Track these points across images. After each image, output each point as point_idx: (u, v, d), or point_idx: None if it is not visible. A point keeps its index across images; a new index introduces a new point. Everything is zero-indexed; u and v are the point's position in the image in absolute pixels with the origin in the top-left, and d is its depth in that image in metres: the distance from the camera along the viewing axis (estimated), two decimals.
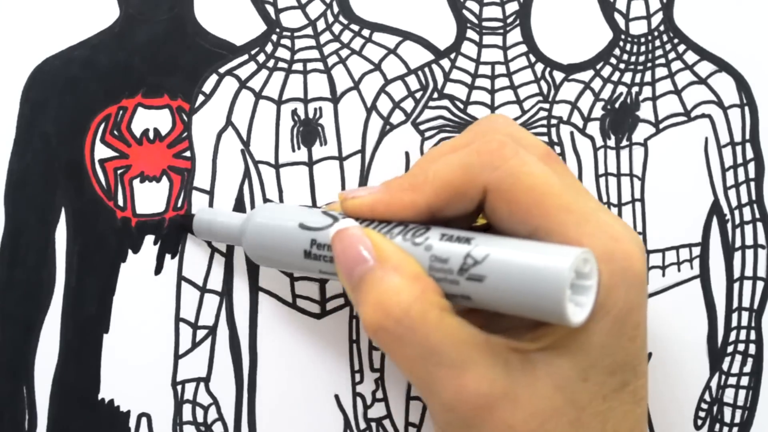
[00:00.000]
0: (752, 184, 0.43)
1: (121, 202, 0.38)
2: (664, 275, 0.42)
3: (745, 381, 0.43)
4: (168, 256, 0.38)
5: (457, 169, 0.31)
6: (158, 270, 0.38)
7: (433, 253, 0.30)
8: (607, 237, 0.29)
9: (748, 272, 0.43)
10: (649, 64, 0.42)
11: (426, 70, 0.40)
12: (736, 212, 0.43)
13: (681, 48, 0.42)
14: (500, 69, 0.41)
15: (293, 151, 0.39)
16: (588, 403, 0.29)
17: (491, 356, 0.29)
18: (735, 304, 0.43)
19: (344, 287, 0.32)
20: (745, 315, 0.43)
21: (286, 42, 0.39)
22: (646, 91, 0.42)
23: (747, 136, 0.43)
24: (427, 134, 0.40)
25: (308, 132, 0.39)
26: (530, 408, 0.29)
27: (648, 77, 0.42)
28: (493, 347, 0.29)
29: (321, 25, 0.40)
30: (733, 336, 0.42)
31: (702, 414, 0.42)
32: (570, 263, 0.27)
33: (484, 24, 0.41)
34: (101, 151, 0.38)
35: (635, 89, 0.42)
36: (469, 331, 0.29)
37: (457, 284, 0.29)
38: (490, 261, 0.28)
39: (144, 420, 0.38)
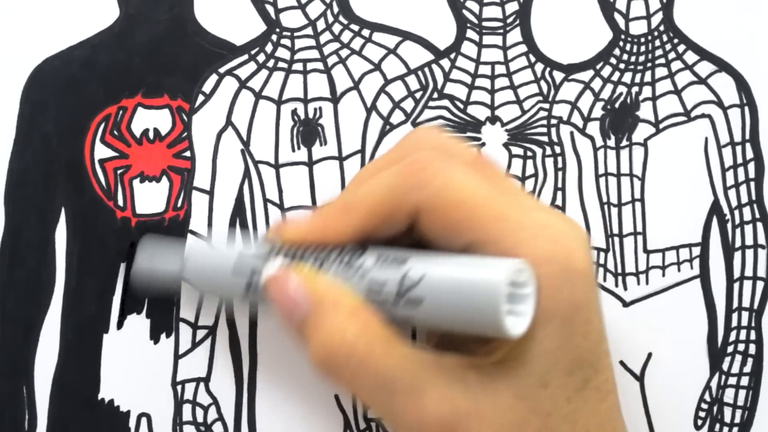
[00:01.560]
0: (752, 184, 0.43)
1: (121, 202, 0.38)
2: (664, 275, 0.42)
3: (745, 381, 0.42)
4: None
5: (384, 192, 0.31)
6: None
7: (369, 277, 0.30)
8: (544, 240, 0.29)
9: (748, 272, 0.43)
10: (649, 64, 0.42)
11: (426, 70, 0.40)
12: (736, 212, 0.43)
13: (681, 48, 0.42)
14: (500, 69, 0.41)
15: (293, 151, 0.39)
16: (553, 408, 0.29)
17: (447, 376, 0.29)
18: (735, 304, 0.43)
19: (288, 331, 0.32)
20: (745, 315, 0.43)
21: (286, 42, 0.39)
22: (646, 91, 0.42)
23: (747, 136, 0.43)
24: None
25: (308, 132, 0.39)
26: (495, 422, 0.29)
27: (648, 77, 0.42)
28: (448, 367, 0.29)
29: (321, 25, 0.40)
30: (733, 336, 0.42)
31: (702, 414, 0.42)
32: (503, 277, 0.27)
33: (484, 24, 0.41)
34: (101, 151, 0.38)
35: (635, 89, 0.42)
36: (419, 355, 0.29)
37: (396, 308, 0.29)
38: (425, 283, 0.28)
39: (144, 420, 0.38)
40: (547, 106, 0.41)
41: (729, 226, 0.42)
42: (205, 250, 0.34)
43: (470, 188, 0.30)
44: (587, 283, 0.29)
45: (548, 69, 0.41)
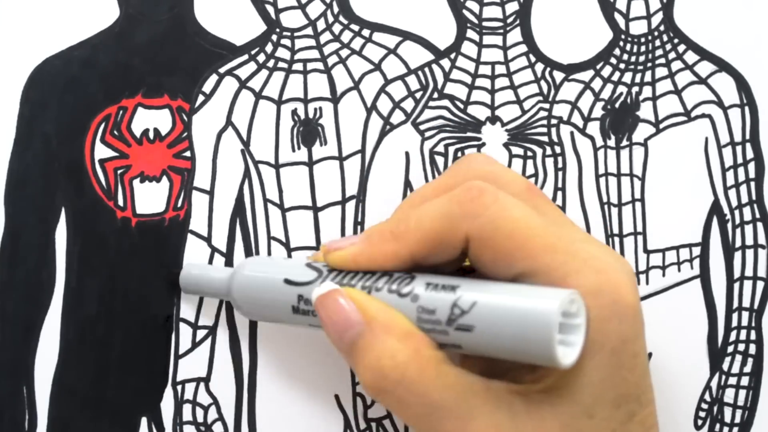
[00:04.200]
0: (752, 184, 0.43)
1: (121, 202, 0.38)
2: (664, 275, 0.42)
3: (745, 381, 0.43)
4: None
5: (438, 218, 0.31)
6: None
7: (419, 305, 0.30)
8: (594, 271, 0.29)
9: (749, 272, 0.43)
10: (649, 64, 0.42)
11: (426, 70, 0.40)
12: (736, 212, 0.43)
13: (681, 48, 0.42)
14: (500, 69, 0.41)
15: (293, 151, 0.39)
16: None
17: (494, 402, 0.29)
18: (735, 304, 0.43)
19: (336, 349, 0.32)
20: (745, 315, 0.43)
21: (286, 42, 0.39)
22: (646, 91, 0.42)
23: (747, 136, 0.43)
24: (427, 134, 0.40)
25: (308, 132, 0.39)
26: None
27: (648, 77, 0.42)
28: (495, 393, 0.29)
29: (321, 25, 0.40)
30: (733, 336, 0.42)
31: (702, 414, 0.42)
32: (556, 306, 0.27)
33: (484, 24, 0.41)
34: (101, 151, 0.38)
35: (635, 89, 0.42)
36: (468, 380, 0.30)
37: (446, 335, 0.29)
38: (476, 310, 0.28)
39: (144, 420, 0.38)
40: (547, 106, 0.41)
41: (729, 226, 0.42)
42: (251, 273, 0.34)
43: (522, 219, 0.30)
44: (635, 317, 0.30)
45: (548, 69, 0.41)
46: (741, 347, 0.43)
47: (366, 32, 0.40)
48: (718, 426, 0.42)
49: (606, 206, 0.42)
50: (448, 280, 0.30)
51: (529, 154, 0.41)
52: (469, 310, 0.29)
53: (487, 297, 0.29)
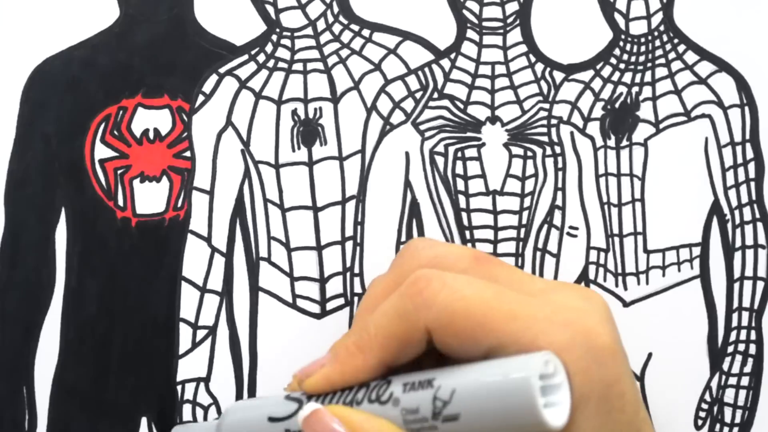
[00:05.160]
0: (752, 184, 0.43)
1: (121, 202, 0.38)
2: (664, 275, 0.42)
3: (745, 381, 0.42)
4: None
5: (395, 318, 0.31)
6: None
7: (402, 407, 0.30)
8: (561, 325, 0.29)
9: (749, 272, 0.43)
10: (649, 64, 0.42)
11: (426, 70, 0.40)
12: (736, 212, 0.43)
13: (681, 48, 0.42)
14: (500, 69, 0.41)
15: (293, 151, 0.39)
16: None
17: None
18: (735, 304, 0.43)
19: None
20: (745, 315, 0.43)
21: (286, 42, 0.39)
22: (646, 91, 0.42)
23: (747, 136, 0.43)
24: (427, 134, 0.40)
25: (308, 132, 0.39)
26: None
27: (648, 77, 0.42)
28: None
29: (321, 25, 0.40)
30: (733, 336, 0.42)
31: (702, 414, 0.42)
32: (531, 372, 0.27)
33: (484, 24, 0.41)
34: (101, 151, 0.38)
35: (635, 89, 0.42)
36: None
37: (435, 429, 0.29)
38: (457, 397, 0.29)
39: (144, 420, 0.38)
40: (547, 106, 0.41)
41: (729, 226, 0.42)
42: (235, 421, 0.35)
43: (474, 296, 0.30)
44: (614, 358, 0.29)
45: (548, 69, 0.41)
46: (741, 347, 0.43)
47: (366, 32, 0.40)
48: (718, 426, 0.42)
49: (606, 206, 0.42)
50: (423, 375, 0.30)
51: (529, 154, 0.41)
52: (450, 399, 0.29)
53: (464, 381, 0.29)
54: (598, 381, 0.29)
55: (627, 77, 0.42)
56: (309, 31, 0.40)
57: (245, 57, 0.39)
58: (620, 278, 0.42)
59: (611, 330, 0.30)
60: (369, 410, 0.31)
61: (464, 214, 0.41)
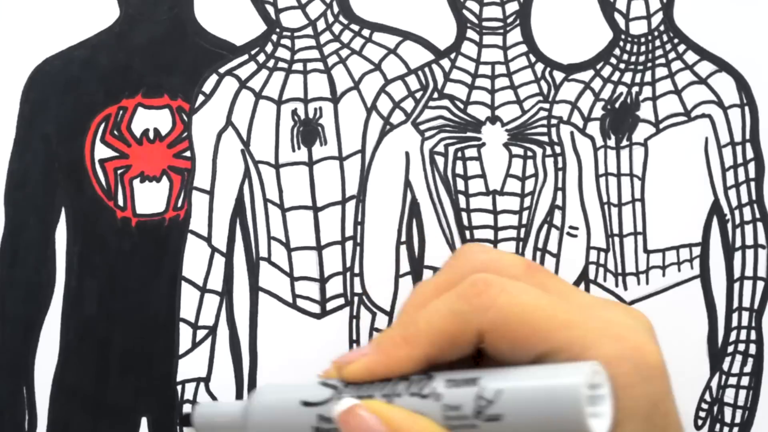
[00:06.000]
0: (752, 184, 0.43)
1: (121, 202, 0.38)
2: (664, 275, 0.42)
3: (745, 381, 0.42)
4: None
5: (448, 317, 0.31)
6: None
7: (444, 403, 0.30)
8: (612, 339, 0.29)
9: (749, 272, 0.43)
10: (649, 64, 0.42)
11: (426, 70, 0.40)
12: (736, 212, 0.43)
13: (681, 48, 0.42)
14: (500, 69, 0.41)
15: (293, 151, 0.39)
16: None
17: None
18: (735, 304, 0.43)
19: None
20: (745, 315, 0.43)
21: (286, 42, 0.39)
22: (646, 91, 0.42)
23: (747, 136, 0.43)
24: (427, 134, 0.40)
25: (308, 132, 0.39)
26: None
27: (648, 77, 0.42)
28: None
29: (321, 25, 0.40)
30: (733, 336, 0.42)
31: (702, 414, 0.42)
32: (582, 380, 0.27)
33: (484, 24, 0.41)
34: (101, 151, 0.38)
35: (635, 89, 0.42)
36: None
37: (476, 428, 0.29)
38: (502, 398, 0.29)
39: (144, 420, 0.38)
40: (547, 106, 0.41)
41: (729, 226, 0.42)
42: (266, 401, 0.34)
43: (531, 302, 0.30)
44: (660, 376, 0.30)
45: (548, 69, 0.41)
46: (741, 347, 0.43)
47: (366, 32, 0.40)
48: (718, 426, 0.42)
49: (606, 206, 0.42)
50: (467, 374, 0.30)
51: (529, 154, 0.41)
52: (495, 399, 0.29)
53: (511, 383, 0.29)
54: (645, 397, 0.29)
55: (627, 77, 0.42)
56: (309, 31, 0.40)
57: (245, 57, 0.39)
58: (620, 278, 0.42)
59: (658, 349, 0.30)
60: (408, 404, 0.31)
61: (464, 214, 0.41)
